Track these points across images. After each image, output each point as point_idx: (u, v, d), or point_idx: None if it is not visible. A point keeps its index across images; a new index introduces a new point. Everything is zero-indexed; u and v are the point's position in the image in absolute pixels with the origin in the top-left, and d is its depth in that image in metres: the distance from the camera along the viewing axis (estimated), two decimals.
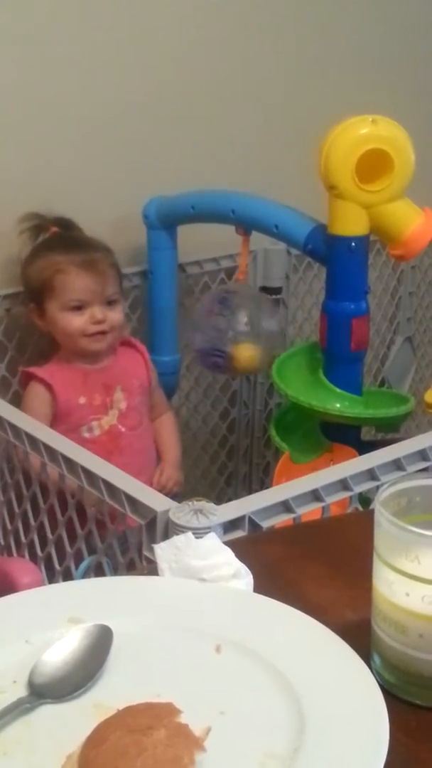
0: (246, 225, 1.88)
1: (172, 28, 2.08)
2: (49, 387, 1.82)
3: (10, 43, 1.88)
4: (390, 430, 1.90)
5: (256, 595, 0.80)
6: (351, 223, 1.64)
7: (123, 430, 1.87)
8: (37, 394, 1.82)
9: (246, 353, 1.94)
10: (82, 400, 1.83)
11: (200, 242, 2.10)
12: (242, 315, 1.96)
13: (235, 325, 1.95)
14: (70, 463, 1.31)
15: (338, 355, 1.73)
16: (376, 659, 0.72)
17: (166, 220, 1.99)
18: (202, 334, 1.97)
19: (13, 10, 1.86)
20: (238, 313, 1.96)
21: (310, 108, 2.22)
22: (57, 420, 1.82)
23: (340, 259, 1.68)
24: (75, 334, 1.80)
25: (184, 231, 2.02)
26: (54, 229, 1.89)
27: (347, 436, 1.78)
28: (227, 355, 1.95)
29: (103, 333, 1.81)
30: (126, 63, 2.03)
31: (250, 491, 2.24)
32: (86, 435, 1.84)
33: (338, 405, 1.72)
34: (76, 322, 1.80)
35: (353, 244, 1.65)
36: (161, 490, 1.72)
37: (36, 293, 1.82)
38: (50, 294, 1.80)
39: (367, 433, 1.97)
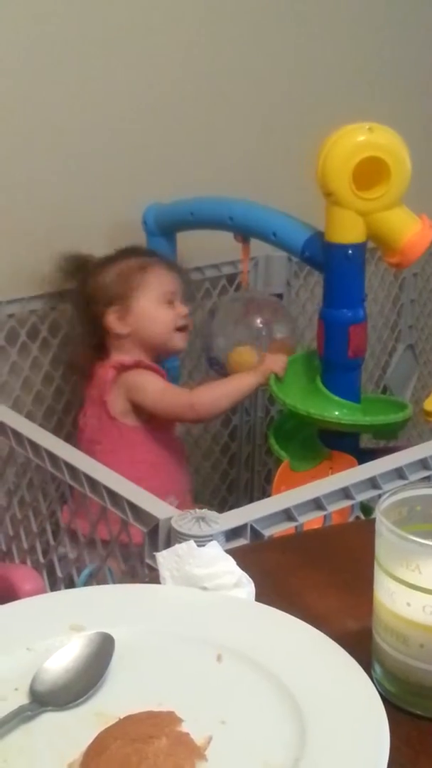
0: (244, 232, 1.89)
1: (170, 35, 2.09)
2: (164, 377, 1.88)
3: (8, 52, 1.88)
4: (388, 437, 1.90)
5: (257, 603, 0.80)
6: (348, 231, 1.64)
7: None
8: (160, 379, 1.86)
9: (242, 358, 1.94)
10: None
11: (200, 249, 2.10)
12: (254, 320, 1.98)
13: (239, 331, 1.97)
14: (72, 470, 1.31)
15: (336, 363, 1.73)
16: (377, 669, 0.72)
17: (165, 227, 1.99)
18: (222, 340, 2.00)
19: (11, 18, 1.87)
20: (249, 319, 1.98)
21: (308, 115, 2.23)
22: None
23: (337, 267, 1.68)
24: (168, 327, 1.87)
25: (183, 237, 2.02)
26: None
27: (346, 443, 1.78)
28: (224, 359, 1.97)
29: (187, 328, 1.90)
30: (124, 70, 2.04)
31: (251, 499, 2.24)
32: (178, 433, 1.95)
33: (336, 413, 1.72)
34: (170, 315, 1.86)
35: (350, 251, 1.65)
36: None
37: (119, 295, 1.85)
38: (140, 291, 1.85)
39: (367, 441, 1.97)
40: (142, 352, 1.87)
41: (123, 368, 1.83)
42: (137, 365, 1.83)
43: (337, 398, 1.73)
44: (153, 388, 1.82)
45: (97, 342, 1.88)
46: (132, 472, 1.63)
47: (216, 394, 1.84)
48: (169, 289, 1.87)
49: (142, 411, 1.84)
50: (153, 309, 1.85)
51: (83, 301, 1.89)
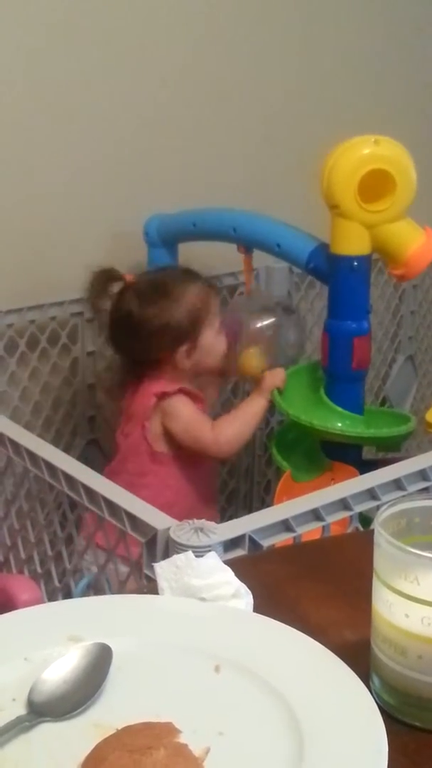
0: (247, 243, 1.89)
1: (171, 45, 2.10)
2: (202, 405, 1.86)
3: (9, 63, 1.89)
4: (391, 449, 1.90)
5: (255, 615, 0.80)
6: (353, 243, 1.64)
7: None
8: (193, 408, 1.83)
9: (250, 361, 1.93)
10: None
11: (202, 259, 2.10)
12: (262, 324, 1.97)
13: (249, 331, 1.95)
14: (70, 480, 1.31)
15: (339, 374, 1.74)
16: (376, 680, 0.71)
17: (167, 238, 2.00)
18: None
19: (11, 28, 1.87)
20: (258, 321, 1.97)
21: (313, 127, 2.23)
22: None
23: (342, 279, 1.68)
24: (223, 355, 1.86)
25: (185, 248, 2.03)
26: (129, 276, 1.86)
27: (348, 455, 1.78)
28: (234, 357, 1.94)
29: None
30: (126, 81, 2.05)
31: (251, 510, 2.24)
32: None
33: (339, 424, 1.72)
34: (224, 343, 1.87)
35: (355, 263, 1.65)
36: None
37: (189, 333, 1.80)
38: (206, 326, 1.81)
39: (367, 452, 1.97)
40: (187, 380, 1.84)
41: (164, 395, 1.80)
42: (179, 392, 1.80)
43: (340, 410, 1.73)
44: (185, 415, 1.80)
45: (138, 367, 1.84)
46: (159, 498, 1.54)
47: (237, 428, 1.82)
48: (219, 316, 1.85)
49: (172, 437, 1.82)
50: (216, 341, 1.84)
51: (131, 328, 1.80)
